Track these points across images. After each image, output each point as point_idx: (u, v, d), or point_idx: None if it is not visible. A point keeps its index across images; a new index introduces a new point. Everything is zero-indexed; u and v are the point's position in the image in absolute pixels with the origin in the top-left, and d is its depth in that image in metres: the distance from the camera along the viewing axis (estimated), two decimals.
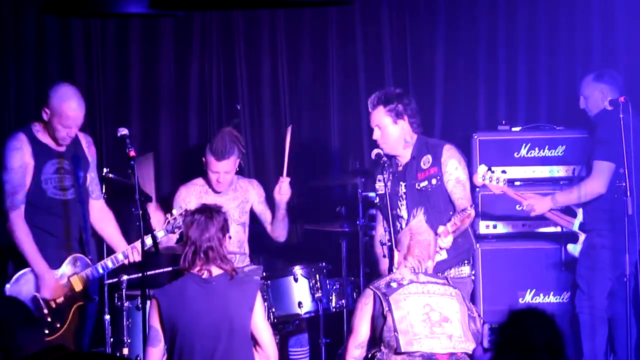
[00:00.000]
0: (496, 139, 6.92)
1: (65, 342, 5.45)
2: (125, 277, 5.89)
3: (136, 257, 5.60)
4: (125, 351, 5.89)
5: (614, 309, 6.55)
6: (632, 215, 6.12)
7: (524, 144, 6.89)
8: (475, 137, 6.90)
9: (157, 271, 6.13)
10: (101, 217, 5.84)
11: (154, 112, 7.09)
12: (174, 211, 5.71)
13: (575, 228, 6.51)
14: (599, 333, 6.45)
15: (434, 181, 5.75)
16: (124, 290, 5.92)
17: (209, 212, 4.85)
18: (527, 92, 7.22)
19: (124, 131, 5.50)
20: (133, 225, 5.69)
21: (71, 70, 6.97)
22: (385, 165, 5.65)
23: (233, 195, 6.41)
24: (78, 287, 5.57)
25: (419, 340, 4.79)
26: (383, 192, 5.73)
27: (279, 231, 6.44)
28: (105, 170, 6.13)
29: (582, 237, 6.51)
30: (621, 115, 6.19)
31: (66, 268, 5.59)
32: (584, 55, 7.15)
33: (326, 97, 7.18)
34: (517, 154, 6.88)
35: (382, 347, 4.85)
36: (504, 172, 6.36)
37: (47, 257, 5.54)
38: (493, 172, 6.26)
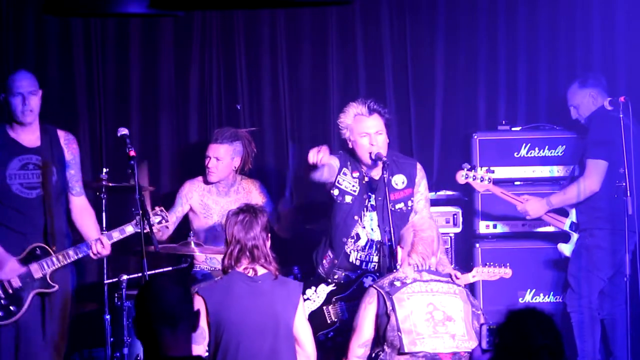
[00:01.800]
0: (496, 139, 6.92)
1: (25, 328, 5.49)
2: (125, 277, 5.89)
3: (100, 249, 5.56)
4: (125, 351, 5.89)
5: (606, 310, 6.55)
6: (632, 215, 6.12)
7: (524, 144, 6.89)
8: (475, 137, 6.90)
9: (157, 271, 6.12)
10: (80, 213, 5.79)
11: (154, 112, 7.09)
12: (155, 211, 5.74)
13: (567, 228, 6.52)
14: (592, 332, 6.46)
15: (409, 203, 5.80)
16: (124, 290, 5.92)
17: (253, 211, 4.90)
18: (527, 92, 7.22)
19: (124, 131, 5.51)
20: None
21: (71, 70, 6.97)
22: (386, 165, 5.63)
23: (235, 197, 6.41)
24: (37, 274, 5.55)
25: (422, 340, 4.79)
26: (354, 190, 5.72)
27: (284, 232, 6.48)
28: (105, 170, 6.14)
29: (574, 237, 6.52)
30: (621, 115, 6.20)
31: (26, 256, 5.57)
32: (584, 55, 7.15)
33: (326, 97, 7.18)
34: (517, 154, 6.89)
35: (386, 347, 4.85)
36: (490, 170, 6.38)
37: (8, 249, 5.54)
38: (475, 170, 6.30)
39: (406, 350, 4.77)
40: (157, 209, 5.80)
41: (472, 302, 5.00)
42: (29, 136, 5.65)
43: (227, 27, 7.11)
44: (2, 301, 5.53)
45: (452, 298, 4.90)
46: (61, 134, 5.77)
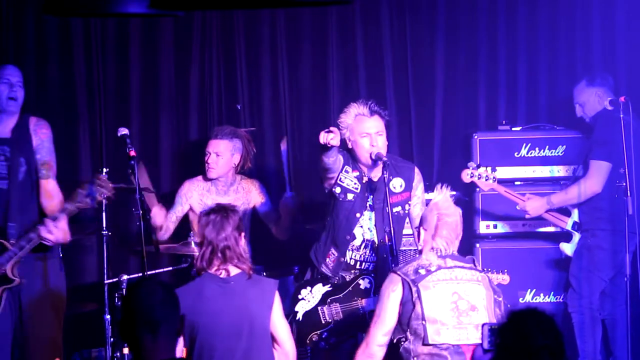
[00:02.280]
0: (496, 139, 6.92)
1: None
2: (125, 277, 5.88)
3: (46, 233, 5.42)
4: (126, 351, 5.88)
5: (607, 310, 6.56)
6: (633, 215, 6.13)
7: (524, 144, 6.89)
8: (476, 137, 6.90)
9: (157, 271, 6.12)
10: (45, 197, 5.69)
11: (154, 112, 7.09)
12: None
13: (569, 227, 6.53)
14: (593, 333, 6.46)
15: (407, 207, 5.83)
16: (124, 290, 5.91)
17: (224, 211, 4.85)
18: (527, 92, 7.22)
19: (124, 131, 5.50)
20: (133, 224, 5.70)
21: (71, 70, 6.97)
22: (386, 165, 5.63)
23: (235, 196, 6.41)
24: None
25: (446, 330, 4.76)
26: (356, 188, 5.73)
27: (282, 234, 6.48)
28: (105, 170, 6.13)
29: (576, 236, 6.53)
30: (621, 115, 6.20)
31: None
32: (584, 55, 7.15)
33: (326, 97, 7.18)
34: (518, 154, 6.89)
35: (409, 334, 4.79)
36: (494, 169, 6.39)
37: None
38: (481, 168, 6.31)
39: (430, 342, 4.71)
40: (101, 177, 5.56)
41: (494, 288, 4.95)
42: (3, 128, 5.60)
43: (227, 27, 7.11)
44: None
45: (475, 286, 4.85)
46: (32, 120, 5.71)
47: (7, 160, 5.57)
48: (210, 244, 4.79)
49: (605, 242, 6.44)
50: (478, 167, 6.41)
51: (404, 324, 4.82)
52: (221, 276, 4.80)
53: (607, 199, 6.41)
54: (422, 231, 5.01)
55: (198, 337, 4.70)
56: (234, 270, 4.81)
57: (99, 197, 5.40)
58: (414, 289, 4.78)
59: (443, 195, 5.09)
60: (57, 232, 5.47)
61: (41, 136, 5.70)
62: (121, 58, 7.05)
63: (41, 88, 6.87)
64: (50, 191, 5.73)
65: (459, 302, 4.80)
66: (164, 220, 6.32)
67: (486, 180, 6.38)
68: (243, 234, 4.90)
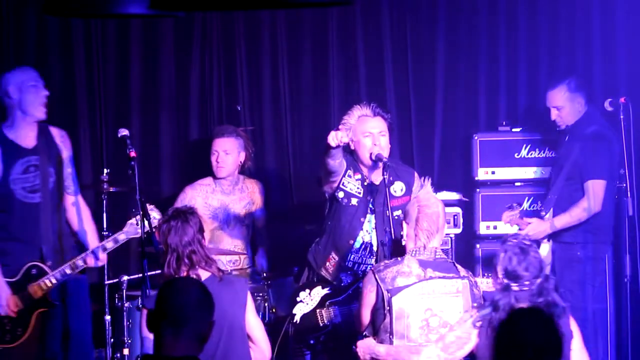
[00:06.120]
0: (496, 140, 6.92)
1: (29, 348, 5.48)
2: (125, 278, 5.88)
3: (93, 262, 5.54)
4: (126, 352, 5.88)
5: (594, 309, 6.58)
6: (633, 216, 6.13)
7: (525, 145, 6.88)
8: (476, 137, 6.90)
9: (157, 271, 6.11)
10: (76, 214, 5.77)
11: (155, 112, 7.09)
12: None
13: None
14: (595, 342, 6.44)
15: None
16: (124, 291, 5.91)
17: (183, 215, 4.73)
18: (527, 93, 7.21)
19: (124, 132, 5.49)
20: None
21: (71, 70, 6.97)
22: (387, 166, 5.63)
23: (239, 195, 6.41)
24: (37, 294, 5.54)
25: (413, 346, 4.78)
26: (359, 192, 5.73)
27: (263, 242, 6.53)
28: (106, 171, 6.13)
29: (545, 245, 6.49)
30: (621, 117, 6.20)
31: (24, 278, 5.54)
32: (584, 55, 7.15)
33: (326, 97, 7.18)
34: (518, 155, 6.88)
35: (377, 339, 4.85)
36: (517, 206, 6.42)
37: (10, 263, 5.52)
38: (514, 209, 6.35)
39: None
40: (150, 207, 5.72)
41: (474, 294, 4.91)
42: (27, 136, 5.58)
43: (227, 27, 7.11)
44: (7, 327, 5.52)
45: (452, 299, 4.83)
46: (55, 131, 5.72)
47: (37, 170, 5.53)
48: (174, 250, 4.68)
49: (594, 252, 6.46)
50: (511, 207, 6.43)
51: (374, 327, 4.87)
52: None
53: (602, 212, 6.42)
54: (404, 225, 4.98)
55: None
56: (204, 274, 4.73)
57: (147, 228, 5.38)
58: (386, 300, 4.78)
59: (424, 188, 5.07)
60: (103, 261, 5.54)
61: (67, 148, 5.70)
62: (121, 58, 7.05)
63: None
64: (79, 206, 5.75)
65: (430, 319, 4.79)
66: None
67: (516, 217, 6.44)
68: (205, 233, 4.81)
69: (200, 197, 6.38)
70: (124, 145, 5.39)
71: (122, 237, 5.59)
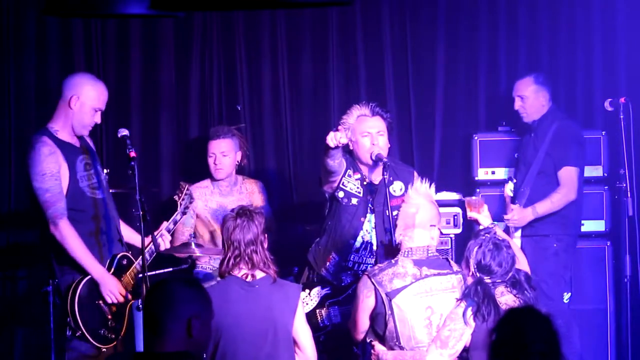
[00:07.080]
0: (496, 140, 6.93)
1: (123, 343, 5.39)
2: None
3: (165, 245, 5.50)
4: None
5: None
6: (633, 216, 6.14)
7: None
8: (476, 137, 6.91)
9: (158, 272, 6.11)
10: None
11: (155, 113, 7.09)
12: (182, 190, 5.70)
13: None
14: (569, 333, 6.45)
15: None
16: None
17: (249, 214, 4.73)
18: None
19: (124, 132, 5.48)
20: (134, 225, 5.69)
21: (71, 70, 6.94)
22: (387, 166, 5.63)
23: (238, 197, 6.40)
24: (130, 285, 5.41)
25: (420, 347, 4.79)
26: (359, 192, 5.73)
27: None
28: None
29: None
30: (621, 116, 6.21)
31: (117, 269, 5.39)
32: (584, 55, 7.16)
33: (326, 97, 7.18)
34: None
35: (384, 344, 4.85)
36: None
37: (104, 256, 5.40)
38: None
39: None
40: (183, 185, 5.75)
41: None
42: (72, 135, 5.43)
43: (227, 27, 7.11)
44: (111, 323, 5.36)
45: (449, 295, 4.84)
46: None
47: (92, 168, 5.44)
48: (237, 248, 4.69)
49: (569, 245, 6.47)
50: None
51: (379, 334, 4.86)
52: (246, 279, 4.71)
53: (573, 204, 6.43)
54: (398, 223, 4.99)
55: (222, 340, 4.62)
56: (259, 274, 4.73)
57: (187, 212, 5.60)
58: (386, 304, 4.77)
59: (413, 186, 5.06)
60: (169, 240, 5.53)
61: (93, 146, 5.62)
62: (121, 58, 7.05)
63: (41, 88, 6.86)
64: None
65: (432, 316, 4.80)
66: (176, 241, 6.21)
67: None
68: (267, 236, 4.81)
69: (200, 200, 6.36)
70: (123, 145, 5.38)
71: (178, 217, 5.62)
